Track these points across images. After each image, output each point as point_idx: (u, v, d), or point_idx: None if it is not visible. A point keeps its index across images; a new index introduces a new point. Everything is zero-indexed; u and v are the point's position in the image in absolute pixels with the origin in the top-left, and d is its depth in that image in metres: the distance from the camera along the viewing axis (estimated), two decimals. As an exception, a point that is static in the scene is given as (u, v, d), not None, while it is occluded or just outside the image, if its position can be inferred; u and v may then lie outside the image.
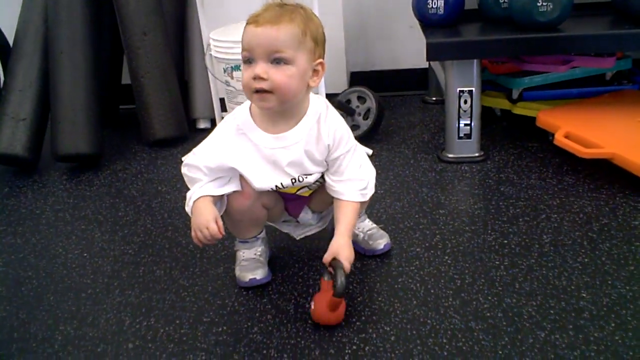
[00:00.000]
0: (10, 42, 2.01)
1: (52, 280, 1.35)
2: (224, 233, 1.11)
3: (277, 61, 1.03)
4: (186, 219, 1.53)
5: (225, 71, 1.82)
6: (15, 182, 1.89)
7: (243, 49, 1.05)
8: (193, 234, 1.12)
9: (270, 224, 1.33)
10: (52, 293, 1.31)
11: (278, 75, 1.03)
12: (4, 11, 2.07)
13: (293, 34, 1.03)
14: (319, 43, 1.08)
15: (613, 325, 1.07)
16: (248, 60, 1.05)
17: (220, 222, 1.11)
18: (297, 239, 1.34)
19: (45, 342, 1.16)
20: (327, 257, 1.12)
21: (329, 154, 1.14)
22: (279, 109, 1.08)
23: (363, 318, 1.14)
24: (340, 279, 1.07)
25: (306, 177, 1.17)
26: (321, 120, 1.13)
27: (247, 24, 1.05)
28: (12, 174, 1.94)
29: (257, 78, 1.03)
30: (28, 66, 1.95)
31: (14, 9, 2.02)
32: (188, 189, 1.16)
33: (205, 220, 1.09)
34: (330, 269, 1.12)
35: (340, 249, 1.12)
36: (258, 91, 1.04)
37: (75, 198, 1.75)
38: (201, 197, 1.12)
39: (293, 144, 1.12)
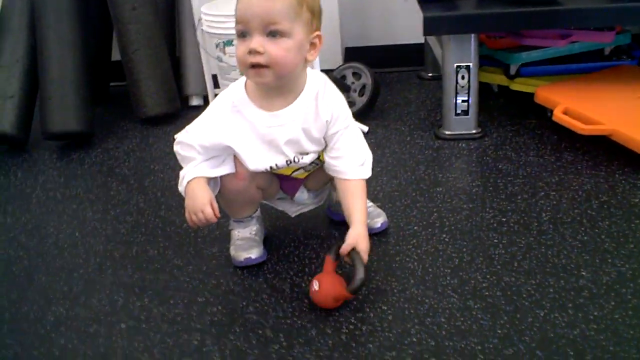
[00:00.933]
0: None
1: (43, 260, 1.33)
2: (219, 216, 1.09)
3: (273, 34, 0.99)
4: (179, 197, 1.49)
5: (217, 46, 1.79)
6: (5, 160, 1.86)
7: (237, 22, 1.01)
8: (187, 216, 1.10)
9: (265, 202, 1.31)
10: (43, 273, 1.29)
11: (274, 49, 0.99)
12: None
13: (289, 5, 0.99)
14: (315, 14, 1.04)
15: (613, 303, 1.06)
16: (242, 34, 1.01)
17: (216, 205, 1.09)
18: (292, 216, 1.32)
19: (37, 323, 1.14)
20: (345, 248, 1.09)
21: (327, 130, 1.12)
22: (275, 85, 1.05)
23: (360, 297, 1.12)
24: (360, 276, 1.04)
25: (302, 158, 1.14)
26: (319, 97, 1.10)
27: None
28: (1, 153, 1.91)
29: (252, 52, 0.99)
30: (15, 42, 1.90)
31: (-1, -17, 1.97)
32: (181, 168, 1.14)
33: (200, 203, 1.07)
34: (347, 259, 1.09)
35: (360, 240, 1.09)
36: (254, 66, 1.00)
37: (66, 177, 1.72)
38: (195, 178, 1.09)
39: (290, 121, 1.09)
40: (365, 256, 1.09)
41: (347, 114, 1.13)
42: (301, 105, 1.09)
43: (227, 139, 1.10)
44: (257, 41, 0.99)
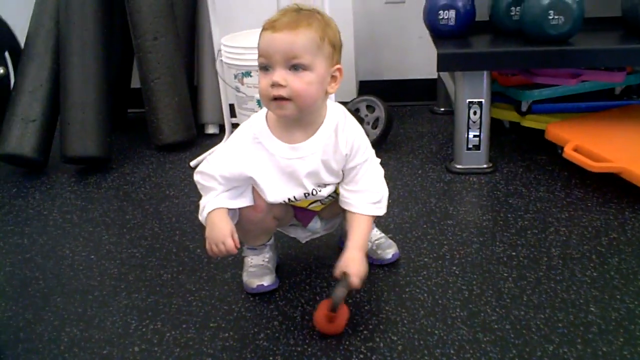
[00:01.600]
0: (22, 43, 2.02)
1: (58, 282, 1.35)
2: (239, 246, 1.11)
3: (296, 67, 1.01)
4: (194, 223, 1.55)
5: (235, 77, 1.83)
6: (24, 182, 1.90)
7: (260, 55, 1.03)
8: (208, 247, 1.11)
9: (277, 228, 1.33)
10: (58, 294, 1.31)
11: (297, 82, 1.01)
12: (16, 12, 2.08)
13: (311, 39, 1.01)
14: (336, 48, 1.06)
15: (622, 340, 1.06)
16: (265, 67, 1.03)
17: (236, 236, 1.10)
18: (303, 242, 1.33)
19: (51, 343, 1.16)
20: (337, 272, 1.11)
21: (346, 163, 1.13)
22: (297, 117, 1.06)
23: (370, 327, 1.14)
24: (337, 293, 1.06)
25: (320, 190, 1.15)
26: (339, 130, 1.11)
27: (263, 29, 1.03)
28: (21, 175, 1.95)
29: (275, 85, 1.01)
30: (39, 67, 1.96)
31: (26, 11, 2.04)
32: (196, 194, 1.16)
33: (222, 235, 1.09)
34: None
35: (350, 263, 1.10)
36: (276, 99, 1.02)
37: (83, 200, 1.75)
38: (216, 209, 1.11)
39: (310, 154, 1.10)
40: (355, 279, 1.08)
41: (366, 147, 1.14)
42: (321, 138, 1.10)
43: (248, 169, 1.11)
44: (280, 74, 1.01)
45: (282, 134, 1.11)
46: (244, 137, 1.12)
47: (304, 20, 1.01)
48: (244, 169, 1.11)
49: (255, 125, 1.12)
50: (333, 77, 1.07)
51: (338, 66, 1.07)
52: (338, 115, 1.12)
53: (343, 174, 1.15)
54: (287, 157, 1.11)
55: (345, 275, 1.09)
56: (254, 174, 1.11)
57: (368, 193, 1.15)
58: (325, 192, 1.16)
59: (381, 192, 1.17)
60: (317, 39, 1.01)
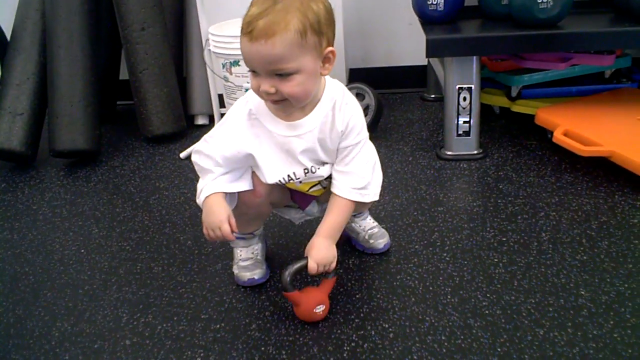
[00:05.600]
0: (8, 36, 2.00)
1: (48, 277, 1.35)
2: (237, 231, 1.10)
3: (281, 75, 0.97)
4: (184, 215, 1.54)
5: (224, 66, 1.82)
6: (12, 177, 1.88)
7: (244, 60, 1.00)
8: (205, 231, 1.10)
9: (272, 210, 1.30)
10: (48, 289, 1.30)
11: (286, 88, 0.98)
12: (1, 5, 2.06)
13: (291, 43, 0.95)
14: (322, 31, 0.99)
15: (612, 322, 1.07)
16: (252, 70, 1.00)
17: (233, 221, 1.08)
18: (297, 223, 1.32)
19: (42, 339, 1.15)
20: (305, 253, 1.11)
21: (340, 141, 1.11)
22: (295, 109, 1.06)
23: (362, 315, 1.14)
24: (285, 272, 1.08)
25: (319, 168, 1.13)
26: (336, 107, 1.08)
27: (241, 32, 0.97)
28: (9, 169, 1.94)
29: (264, 94, 1.00)
30: (26, 60, 1.94)
31: (11, 3, 2.01)
32: (186, 186, 1.15)
33: (218, 220, 1.07)
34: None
35: (312, 249, 1.11)
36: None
37: (72, 194, 1.74)
38: (213, 193, 1.09)
39: (307, 132, 1.09)
40: (312, 264, 1.09)
41: (361, 128, 1.12)
42: (319, 115, 1.08)
43: (247, 146, 1.09)
44: (267, 83, 0.98)
45: (279, 111, 1.08)
46: (240, 114, 1.10)
47: (280, 18, 0.94)
48: (243, 146, 1.09)
49: (251, 101, 1.10)
50: (326, 59, 1.02)
51: (330, 49, 1.01)
52: (336, 93, 1.09)
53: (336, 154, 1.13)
54: (284, 134, 1.09)
55: (305, 258, 1.10)
56: (252, 150, 1.09)
57: (354, 176, 1.13)
58: (324, 171, 1.14)
59: (367, 178, 1.15)
60: (297, 39, 0.95)
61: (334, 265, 1.13)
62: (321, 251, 1.11)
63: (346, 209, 1.14)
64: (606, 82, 1.93)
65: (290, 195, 1.24)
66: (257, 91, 1.01)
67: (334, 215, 1.14)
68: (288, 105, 1.03)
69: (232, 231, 1.08)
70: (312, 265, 1.09)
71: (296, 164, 1.12)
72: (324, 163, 1.14)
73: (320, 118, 1.08)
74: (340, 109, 1.09)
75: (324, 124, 1.09)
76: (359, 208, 1.26)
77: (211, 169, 1.10)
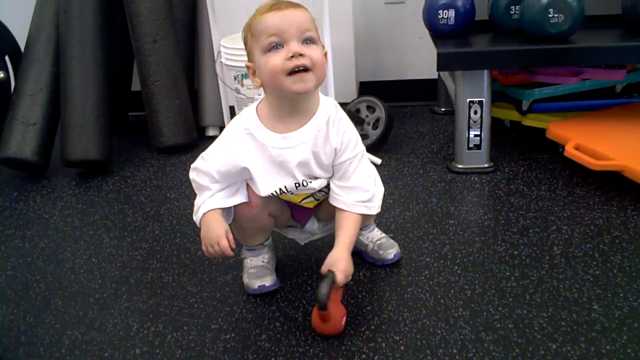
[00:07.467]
0: (22, 47, 2.03)
1: (59, 285, 1.35)
2: (234, 247, 1.11)
3: (307, 41, 1.04)
4: (195, 226, 1.52)
5: (235, 79, 1.83)
6: (24, 186, 1.90)
7: (270, 35, 1.02)
8: (204, 247, 1.12)
9: (276, 229, 1.33)
10: (59, 297, 1.31)
11: (314, 52, 1.04)
12: (16, 17, 2.08)
13: (312, 20, 1.06)
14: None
15: (625, 338, 1.06)
16: (276, 46, 1.03)
17: (231, 236, 1.11)
18: (302, 244, 1.33)
19: (52, 347, 1.15)
20: (324, 269, 1.10)
21: (336, 157, 1.13)
22: (312, 91, 1.07)
23: (372, 327, 1.13)
24: (322, 290, 1.05)
25: (311, 182, 1.15)
26: (330, 122, 1.11)
27: (262, 13, 1.04)
28: (21, 179, 1.95)
29: (296, 55, 1.02)
30: (39, 71, 1.96)
31: (26, 15, 2.04)
32: (196, 196, 1.16)
33: (216, 235, 1.10)
34: None
35: (338, 261, 1.10)
36: (295, 72, 1.02)
37: (83, 203, 1.75)
38: (210, 210, 1.12)
39: (300, 144, 1.11)
40: (341, 276, 1.08)
41: (356, 142, 1.14)
42: (312, 128, 1.11)
43: (241, 160, 1.11)
44: (297, 46, 1.03)
45: (274, 124, 1.11)
46: (234, 129, 1.13)
47: (297, 3, 1.06)
48: (238, 160, 1.11)
49: (245, 118, 1.13)
50: (325, 55, 1.09)
51: (325, 50, 1.09)
52: (330, 108, 1.13)
53: (333, 170, 1.15)
54: (278, 147, 1.11)
55: (330, 272, 1.09)
56: (247, 164, 1.11)
57: (359, 191, 1.15)
58: (317, 184, 1.16)
59: (371, 190, 1.17)
60: (313, 20, 1.06)
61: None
62: (346, 263, 1.11)
63: (355, 222, 1.16)
64: (617, 96, 1.92)
65: (291, 213, 1.26)
66: (282, 63, 1.02)
67: (345, 229, 1.14)
68: (311, 81, 1.04)
69: (231, 247, 1.10)
70: (342, 278, 1.09)
71: (288, 176, 1.13)
72: (316, 178, 1.15)
73: (314, 132, 1.11)
74: (334, 124, 1.11)
75: (317, 137, 1.11)
76: (364, 221, 1.27)
77: (208, 186, 1.13)
